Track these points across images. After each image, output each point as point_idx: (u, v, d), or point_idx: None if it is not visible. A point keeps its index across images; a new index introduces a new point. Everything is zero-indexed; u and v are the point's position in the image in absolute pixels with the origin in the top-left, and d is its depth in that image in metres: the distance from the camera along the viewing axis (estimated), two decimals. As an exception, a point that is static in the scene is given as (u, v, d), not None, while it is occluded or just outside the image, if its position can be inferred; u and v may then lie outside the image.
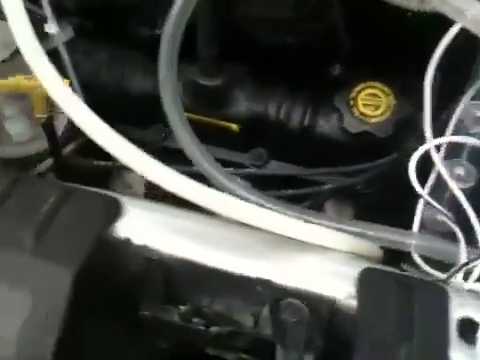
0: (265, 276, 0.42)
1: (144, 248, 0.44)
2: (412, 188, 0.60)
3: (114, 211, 0.44)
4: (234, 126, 0.68)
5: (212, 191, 0.41)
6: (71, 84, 0.65)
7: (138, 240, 0.44)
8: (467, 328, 0.38)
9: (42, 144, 0.70)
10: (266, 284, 0.42)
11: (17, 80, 0.59)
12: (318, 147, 0.65)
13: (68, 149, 0.66)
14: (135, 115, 0.70)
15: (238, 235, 0.45)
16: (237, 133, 0.68)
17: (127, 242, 0.44)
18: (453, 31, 0.50)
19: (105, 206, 0.45)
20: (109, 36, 0.72)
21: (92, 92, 0.66)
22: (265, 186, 0.65)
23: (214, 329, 0.40)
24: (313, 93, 0.67)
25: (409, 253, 0.50)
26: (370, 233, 0.48)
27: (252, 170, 0.67)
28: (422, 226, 0.50)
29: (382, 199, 0.63)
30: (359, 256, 0.46)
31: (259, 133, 0.68)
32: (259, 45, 0.66)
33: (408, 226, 0.51)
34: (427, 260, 0.49)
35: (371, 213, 0.58)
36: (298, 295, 0.42)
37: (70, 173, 0.63)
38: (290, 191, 0.63)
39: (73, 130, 0.71)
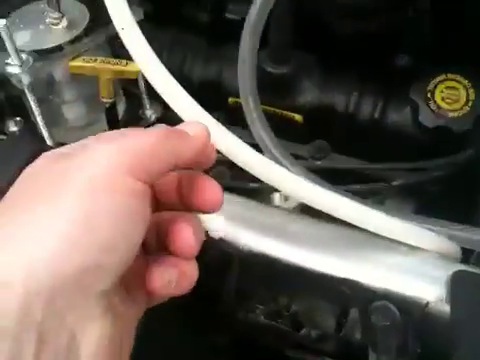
0: (352, 276, 0.40)
1: (221, 242, 0.42)
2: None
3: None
4: (298, 116, 0.66)
5: (297, 178, 0.38)
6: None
7: (215, 233, 0.42)
8: None
9: (99, 128, 0.69)
10: (354, 285, 0.40)
11: (121, 65, 0.57)
12: (388, 141, 0.62)
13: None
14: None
15: (322, 232, 0.42)
16: (300, 124, 0.66)
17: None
18: None
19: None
20: (171, 21, 0.71)
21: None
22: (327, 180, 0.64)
23: (304, 332, 0.38)
24: (385, 84, 0.63)
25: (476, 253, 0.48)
26: (448, 231, 0.46)
27: (312, 163, 0.64)
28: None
29: (450, 199, 0.60)
30: (445, 256, 0.44)
31: (324, 124, 0.65)
32: (332, 33, 0.63)
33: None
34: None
35: (434, 212, 0.56)
36: (388, 297, 0.39)
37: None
38: (357, 186, 0.60)
39: (132, 116, 0.71)
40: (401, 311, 0.39)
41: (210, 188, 0.33)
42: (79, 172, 0.28)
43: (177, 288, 0.32)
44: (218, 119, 0.68)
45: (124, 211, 0.28)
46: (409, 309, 0.39)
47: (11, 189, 0.29)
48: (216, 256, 0.41)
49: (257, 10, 0.51)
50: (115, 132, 0.32)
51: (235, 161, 0.37)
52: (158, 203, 0.34)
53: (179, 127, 0.33)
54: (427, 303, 0.39)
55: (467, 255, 0.47)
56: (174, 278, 0.31)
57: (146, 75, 0.38)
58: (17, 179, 0.30)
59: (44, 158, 0.30)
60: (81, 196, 0.27)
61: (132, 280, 0.31)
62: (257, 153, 0.38)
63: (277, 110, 0.66)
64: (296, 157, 0.65)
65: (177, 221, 0.32)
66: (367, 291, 0.40)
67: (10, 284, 0.25)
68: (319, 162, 0.65)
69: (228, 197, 0.46)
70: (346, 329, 0.39)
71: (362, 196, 0.61)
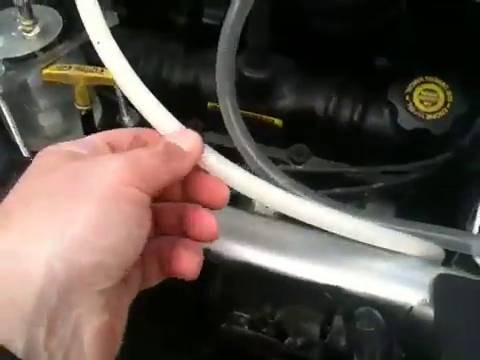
0: (336, 283, 0.40)
1: (206, 252, 0.41)
2: (465, 188, 0.58)
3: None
4: (277, 121, 0.66)
5: (277, 191, 0.38)
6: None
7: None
8: None
9: (75, 137, 0.67)
10: (337, 291, 0.39)
11: (96, 72, 0.56)
12: (367, 144, 0.62)
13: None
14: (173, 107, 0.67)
15: (305, 239, 0.42)
16: (280, 128, 0.66)
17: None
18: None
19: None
20: (148, 25, 0.70)
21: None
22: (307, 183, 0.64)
23: (288, 341, 0.38)
24: (364, 87, 0.64)
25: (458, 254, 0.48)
26: (431, 234, 0.46)
27: (291, 167, 0.64)
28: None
29: (430, 201, 0.60)
30: (428, 260, 0.44)
31: (303, 128, 0.65)
32: (310, 36, 0.63)
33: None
34: None
35: (414, 214, 0.56)
36: (372, 303, 0.39)
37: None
38: (338, 190, 0.60)
39: (108, 122, 0.70)
40: (385, 316, 0.39)
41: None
42: (91, 178, 0.31)
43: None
44: (196, 126, 0.69)
45: (129, 218, 0.31)
46: (393, 314, 0.39)
47: (22, 180, 0.32)
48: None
49: (234, 14, 0.51)
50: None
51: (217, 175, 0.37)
52: (160, 229, 0.37)
53: (175, 136, 0.35)
54: (411, 308, 0.39)
55: (449, 257, 0.48)
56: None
57: (124, 91, 0.37)
58: (26, 171, 0.32)
59: (52, 154, 0.33)
60: (95, 204, 0.30)
61: (130, 273, 0.34)
62: (236, 167, 0.38)
63: (256, 114, 0.65)
64: (276, 161, 0.66)
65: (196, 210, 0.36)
66: (351, 297, 0.40)
67: (32, 274, 0.28)
68: (300, 166, 0.65)
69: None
70: (331, 336, 0.38)
71: (343, 199, 0.62)
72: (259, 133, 0.66)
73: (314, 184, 0.62)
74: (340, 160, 0.65)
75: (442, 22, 0.59)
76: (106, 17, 0.59)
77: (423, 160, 0.58)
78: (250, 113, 0.65)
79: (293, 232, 0.42)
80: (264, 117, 0.65)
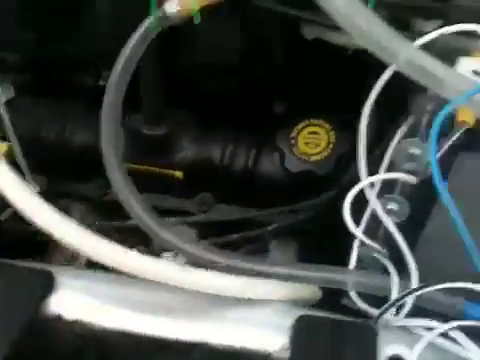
0: (202, 338, 0.41)
1: (76, 323, 0.42)
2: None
3: (46, 286, 0.43)
4: (178, 173, 0.68)
5: (131, 254, 0.40)
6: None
7: (70, 315, 0.43)
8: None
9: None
10: (204, 347, 0.41)
11: None
12: (262, 188, 0.65)
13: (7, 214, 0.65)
14: (76, 169, 0.69)
15: (171, 298, 0.44)
16: (181, 180, 0.68)
17: (58, 318, 0.42)
18: (391, 69, 0.51)
19: (36, 282, 0.44)
20: (51, 90, 0.72)
21: (34, 148, 0.65)
22: (213, 230, 0.65)
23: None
24: (257, 134, 0.67)
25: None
26: (306, 274, 0.47)
27: (199, 217, 0.66)
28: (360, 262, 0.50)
29: (323, 236, 0.62)
30: (295, 304, 0.46)
31: (204, 178, 0.67)
32: (202, 90, 0.66)
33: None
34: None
35: (314, 251, 0.58)
36: (234, 353, 0.41)
37: (8, 239, 0.62)
38: (235, 235, 0.62)
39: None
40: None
41: None
42: None
43: None
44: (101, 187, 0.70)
45: None
46: (253, 362, 0.40)
47: None
48: (71, 339, 0.42)
49: (117, 75, 0.53)
50: None
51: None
52: None
53: None
54: (269, 354, 0.41)
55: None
56: None
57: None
58: None
59: None
60: None
61: None
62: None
63: (156, 169, 0.67)
64: (184, 213, 0.68)
65: None
66: (215, 351, 0.41)
67: None
68: (205, 215, 0.67)
69: (84, 274, 0.47)
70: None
71: (247, 241, 0.64)
72: (167, 186, 0.69)
73: (224, 230, 0.65)
74: (243, 205, 0.67)
75: (323, 67, 0.63)
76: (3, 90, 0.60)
77: (311, 199, 0.61)
78: (151, 168, 0.67)
79: (158, 291, 0.44)
80: (164, 171, 0.67)
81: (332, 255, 0.50)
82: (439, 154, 0.39)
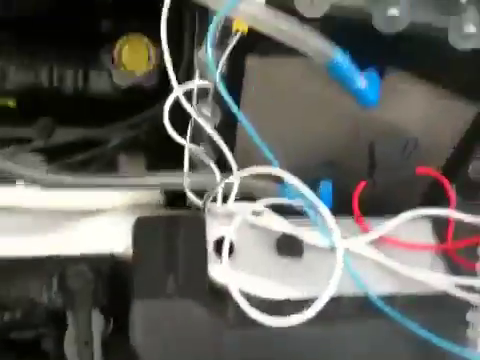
0: (52, 251, 0.46)
1: None
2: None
3: None
4: (11, 102, 0.68)
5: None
6: None
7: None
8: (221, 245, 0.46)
9: None
10: (54, 259, 0.46)
11: None
12: (96, 106, 0.67)
13: None
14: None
15: (20, 217, 0.47)
16: (15, 108, 0.68)
17: None
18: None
19: None
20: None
21: None
22: (60, 154, 0.67)
23: (7, 315, 0.44)
24: (83, 53, 0.68)
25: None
26: (145, 181, 0.53)
27: (40, 142, 0.68)
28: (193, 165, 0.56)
29: (162, 146, 0.67)
30: (136, 208, 0.52)
31: (38, 104, 0.68)
32: (20, 10, 0.65)
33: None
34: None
35: (159, 161, 0.63)
36: (82, 260, 0.46)
37: None
38: (80, 156, 0.65)
39: None
40: (94, 269, 0.46)
41: None
42: None
43: None
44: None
45: None
46: (100, 265, 0.46)
47: None
48: None
49: None
50: None
51: None
52: None
53: None
54: (112, 255, 0.47)
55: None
56: None
57: None
58: None
59: None
60: None
61: None
62: None
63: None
64: (26, 141, 0.68)
65: None
66: (64, 261, 0.46)
67: None
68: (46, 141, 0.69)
69: None
70: (49, 298, 0.45)
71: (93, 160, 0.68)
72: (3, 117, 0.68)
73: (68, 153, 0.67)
74: (82, 126, 0.69)
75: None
76: None
77: (144, 112, 0.65)
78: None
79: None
80: (-4, 101, 0.67)
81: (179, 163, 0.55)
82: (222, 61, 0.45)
